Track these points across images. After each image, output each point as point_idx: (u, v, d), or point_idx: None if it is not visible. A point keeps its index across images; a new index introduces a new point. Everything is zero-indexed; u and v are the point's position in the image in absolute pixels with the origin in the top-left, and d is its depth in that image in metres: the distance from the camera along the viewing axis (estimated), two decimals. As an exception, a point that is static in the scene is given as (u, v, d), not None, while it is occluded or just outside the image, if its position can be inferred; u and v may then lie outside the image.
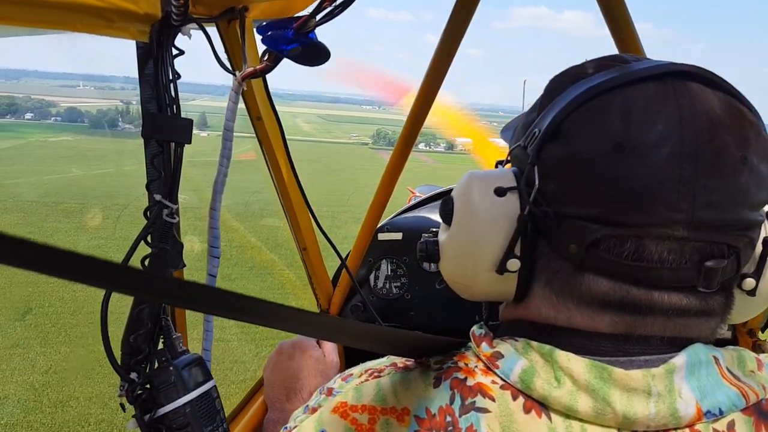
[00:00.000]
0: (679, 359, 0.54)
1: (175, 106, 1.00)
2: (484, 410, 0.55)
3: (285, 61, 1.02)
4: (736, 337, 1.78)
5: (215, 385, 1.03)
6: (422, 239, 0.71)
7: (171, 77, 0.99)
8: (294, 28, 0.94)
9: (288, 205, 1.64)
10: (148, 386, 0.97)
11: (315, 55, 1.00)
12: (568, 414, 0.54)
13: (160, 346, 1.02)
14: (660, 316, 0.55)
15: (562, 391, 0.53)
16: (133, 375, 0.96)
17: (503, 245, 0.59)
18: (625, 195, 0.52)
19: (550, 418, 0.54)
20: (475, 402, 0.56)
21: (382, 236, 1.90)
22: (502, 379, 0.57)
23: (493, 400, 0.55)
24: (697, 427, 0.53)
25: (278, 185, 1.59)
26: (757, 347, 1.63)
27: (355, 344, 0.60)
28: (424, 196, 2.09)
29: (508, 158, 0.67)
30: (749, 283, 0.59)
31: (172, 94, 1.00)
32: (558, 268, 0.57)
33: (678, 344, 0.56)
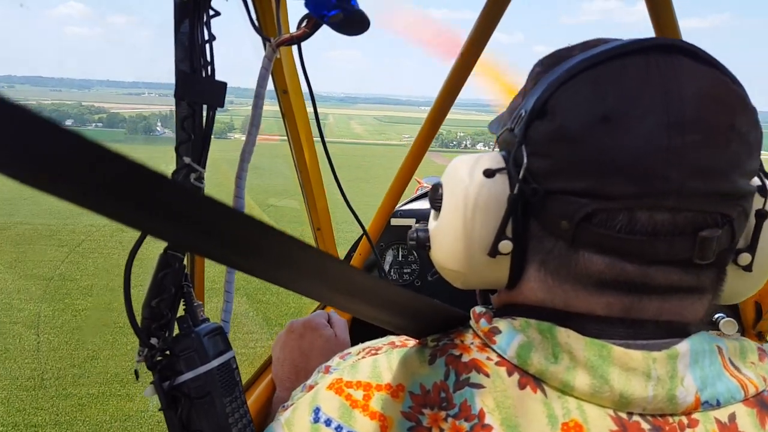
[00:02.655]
0: (683, 346, 0.53)
1: (209, 68, 0.97)
2: (479, 386, 0.54)
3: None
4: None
5: (234, 357, 1.01)
6: (412, 228, 0.69)
7: (207, 37, 0.96)
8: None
9: (307, 185, 1.62)
10: (167, 353, 0.94)
11: (355, 23, 0.98)
12: (564, 390, 0.52)
13: (180, 313, 1.00)
14: (656, 297, 0.54)
15: (559, 367, 0.52)
16: (153, 340, 0.94)
17: (494, 227, 0.58)
18: (613, 167, 0.51)
19: (545, 394, 0.53)
20: (469, 378, 0.55)
21: (395, 222, 1.90)
22: (498, 355, 0.56)
23: (488, 376, 0.55)
24: (695, 416, 0.52)
25: (298, 164, 1.57)
26: None
27: (375, 313, 0.58)
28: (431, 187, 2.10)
29: (496, 146, 0.66)
30: (744, 258, 0.58)
31: (207, 56, 0.98)
32: (551, 247, 0.56)
33: (674, 330, 0.55)
